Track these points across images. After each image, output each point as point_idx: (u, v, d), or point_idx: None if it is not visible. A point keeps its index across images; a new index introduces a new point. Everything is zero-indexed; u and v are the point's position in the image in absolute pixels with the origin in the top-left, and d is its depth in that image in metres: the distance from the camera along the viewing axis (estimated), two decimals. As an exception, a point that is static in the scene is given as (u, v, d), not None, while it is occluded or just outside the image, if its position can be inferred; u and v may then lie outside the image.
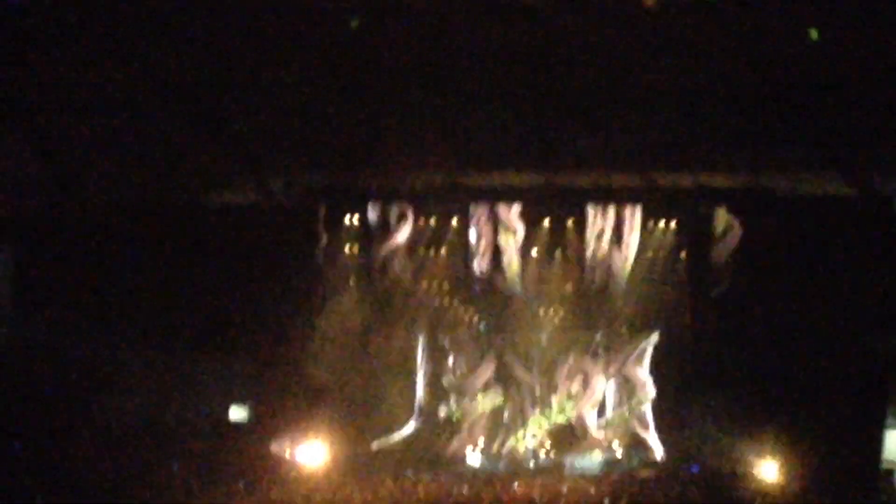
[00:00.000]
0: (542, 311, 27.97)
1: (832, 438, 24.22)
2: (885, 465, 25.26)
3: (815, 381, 24.83)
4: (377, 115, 23.34)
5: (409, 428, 28.26)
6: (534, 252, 27.65)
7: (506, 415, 28.10)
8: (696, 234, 26.85)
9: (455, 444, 27.75)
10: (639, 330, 27.76)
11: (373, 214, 28.08)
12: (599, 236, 27.31)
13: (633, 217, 27.19)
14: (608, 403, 28.07)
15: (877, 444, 25.32)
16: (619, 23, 20.38)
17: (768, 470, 23.98)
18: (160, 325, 27.44)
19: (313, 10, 20.09)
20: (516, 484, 23.55)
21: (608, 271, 27.38)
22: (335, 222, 28.26)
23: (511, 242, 27.66)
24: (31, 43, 20.43)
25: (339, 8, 20.08)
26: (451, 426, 28.21)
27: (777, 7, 19.88)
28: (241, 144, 25.01)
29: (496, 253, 27.79)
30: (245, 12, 20.12)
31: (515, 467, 26.02)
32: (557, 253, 27.55)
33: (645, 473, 25.40)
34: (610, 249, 27.34)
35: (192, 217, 27.43)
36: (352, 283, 28.35)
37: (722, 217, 26.55)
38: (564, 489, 22.67)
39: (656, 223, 27.23)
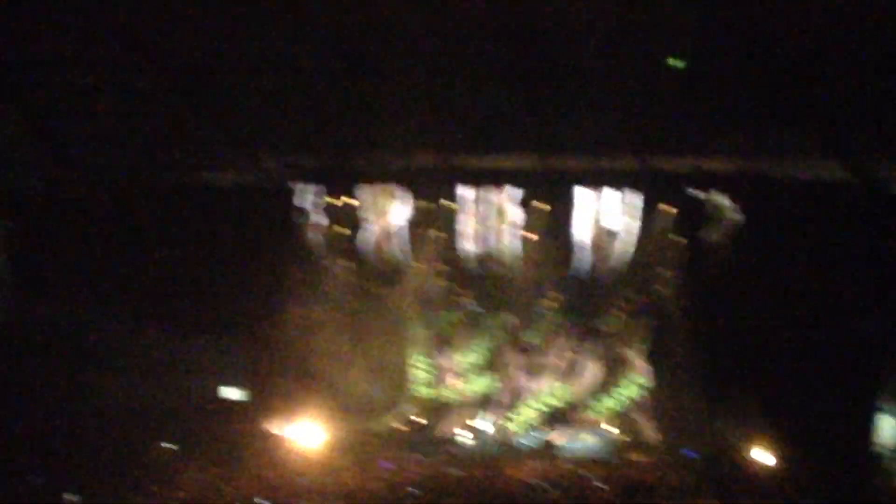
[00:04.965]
0: (534, 294, 27.86)
1: (828, 424, 24.15)
2: (876, 450, 25.28)
3: (812, 368, 24.73)
4: (370, 97, 23.19)
5: (401, 408, 28.34)
6: (526, 235, 27.50)
7: (498, 396, 28.13)
8: (691, 219, 26.57)
9: (446, 425, 27.74)
10: (633, 313, 27.61)
11: (365, 195, 28.11)
12: (593, 220, 27.12)
13: (628, 201, 26.94)
14: (602, 386, 27.94)
15: (869, 429, 25.31)
16: (614, 1, 20.27)
17: (764, 455, 23.93)
18: (154, 305, 27.53)
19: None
20: (509, 466, 23.50)
21: (602, 255, 27.17)
22: (328, 203, 28.31)
23: (503, 225, 27.55)
24: (26, 20, 20.38)
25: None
26: (443, 407, 28.32)
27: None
28: (235, 124, 24.94)
29: (488, 235, 27.68)
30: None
31: (508, 450, 25.88)
32: (550, 236, 27.40)
33: (640, 458, 25.32)
34: (604, 233, 27.14)
35: (188, 195, 27.46)
36: (344, 264, 28.32)
37: (718, 202, 26.38)
38: (558, 472, 22.61)
39: (651, 207, 26.82)
